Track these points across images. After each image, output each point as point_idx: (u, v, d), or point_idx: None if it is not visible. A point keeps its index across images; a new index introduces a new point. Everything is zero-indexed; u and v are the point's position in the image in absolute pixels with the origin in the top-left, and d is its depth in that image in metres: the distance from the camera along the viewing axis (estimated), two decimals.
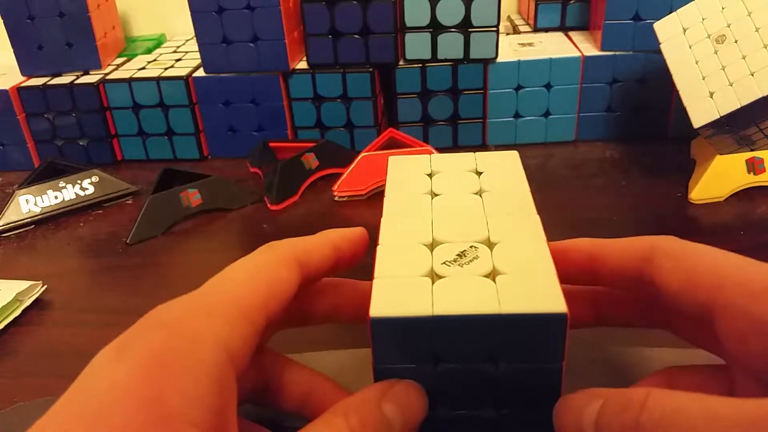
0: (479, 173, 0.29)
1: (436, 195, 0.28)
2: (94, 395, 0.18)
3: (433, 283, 0.22)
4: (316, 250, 0.25)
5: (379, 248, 0.24)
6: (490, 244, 0.24)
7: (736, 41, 0.43)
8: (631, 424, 0.18)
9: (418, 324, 0.20)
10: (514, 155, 0.31)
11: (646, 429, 0.17)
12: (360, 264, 0.27)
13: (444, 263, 0.23)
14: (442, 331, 0.21)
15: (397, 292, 0.21)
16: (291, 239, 0.25)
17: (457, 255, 0.23)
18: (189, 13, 0.53)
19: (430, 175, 0.29)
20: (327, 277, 0.26)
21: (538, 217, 0.25)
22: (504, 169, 0.29)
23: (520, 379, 0.21)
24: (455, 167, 0.30)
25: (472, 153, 0.31)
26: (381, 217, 0.27)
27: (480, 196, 0.27)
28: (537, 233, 0.24)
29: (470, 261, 0.23)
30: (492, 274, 0.22)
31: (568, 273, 0.25)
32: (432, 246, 0.24)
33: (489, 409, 0.23)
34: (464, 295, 0.21)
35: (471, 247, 0.23)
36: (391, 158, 0.31)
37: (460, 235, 0.24)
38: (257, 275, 0.22)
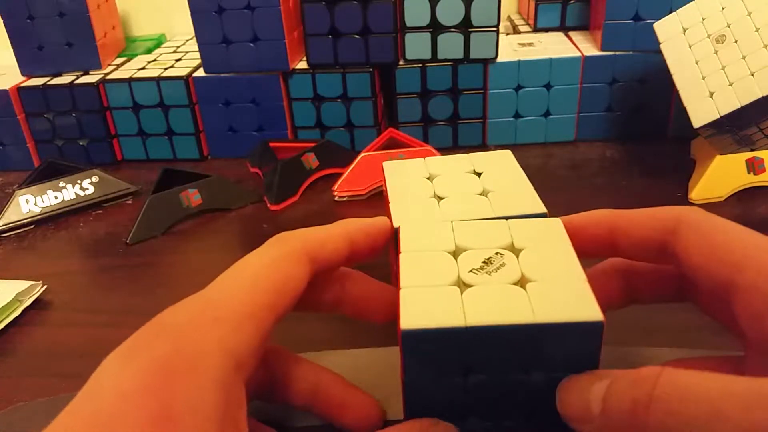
0: (478, 174, 0.29)
1: (441, 198, 0.27)
2: (101, 406, 0.18)
3: (462, 292, 0.21)
4: (329, 243, 0.24)
5: (401, 256, 0.23)
6: (515, 250, 0.23)
7: (736, 41, 0.43)
8: (644, 399, 0.17)
9: (451, 335, 0.20)
10: (507, 154, 0.30)
11: (660, 403, 0.17)
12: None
13: (471, 271, 0.22)
14: (475, 341, 0.20)
15: (426, 302, 0.21)
16: (304, 230, 0.24)
17: (483, 262, 0.23)
18: (189, 13, 0.53)
19: (429, 179, 0.29)
20: (341, 267, 0.25)
21: (558, 219, 0.25)
22: (502, 169, 0.29)
23: (553, 388, 0.21)
24: (453, 169, 0.30)
25: (465, 154, 0.31)
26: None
27: (486, 197, 0.27)
28: (561, 236, 0.24)
29: (497, 268, 0.22)
30: (521, 282, 0.22)
31: (586, 246, 0.24)
32: (455, 253, 0.23)
33: (520, 419, 0.22)
34: (496, 305, 0.21)
35: (496, 253, 0.23)
36: (385, 164, 0.31)
37: (483, 241, 0.24)
38: (266, 274, 0.22)
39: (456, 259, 0.23)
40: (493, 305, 0.20)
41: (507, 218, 0.25)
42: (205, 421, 0.18)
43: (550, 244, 0.23)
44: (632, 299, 0.26)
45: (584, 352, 0.20)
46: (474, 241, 0.24)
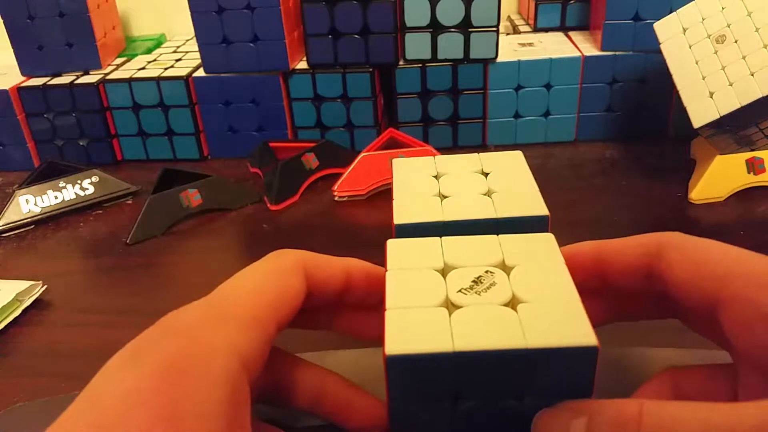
0: (486, 174, 0.29)
1: (445, 197, 0.27)
2: (107, 404, 0.17)
3: (450, 313, 0.20)
4: (326, 267, 0.24)
5: (388, 274, 0.23)
6: (506, 268, 0.23)
7: (736, 41, 0.43)
8: None
9: (438, 360, 0.19)
10: (518, 155, 0.30)
11: None
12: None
13: (460, 291, 0.21)
14: (464, 367, 0.19)
15: (412, 325, 0.20)
16: (303, 250, 0.25)
17: (473, 281, 0.22)
18: (189, 13, 0.53)
19: (436, 177, 0.29)
20: (339, 300, 0.26)
21: (551, 234, 0.24)
22: (510, 170, 0.29)
23: None
24: (461, 168, 0.29)
25: (476, 154, 0.31)
26: (383, 217, 0.26)
27: (490, 197, 0.27)
28: (553, 253, 0.23)
29: (487, 288, 0.21)
30: (512, 303, 0.21)
31: (573, 277, 0.24)
32: (444, 271, 0.23)
33: None
34: (485, 328, 0.20)
35: (486, 272, 0.22)
36: (395, 160, 0.31)
37: (473, 258, 0.23)
38: (266, 283, 0.22)
39: (445, 278, 0.22)
40: (482, 329, 0.19)
41: (497, 219, 0.25)
42: (213, 421, 0.18)
43: (542, 262, 0.23)
44: (611, 318, 0.26)
45: (578, 377, 0.20)
46: (464, 258, 0.23)
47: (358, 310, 0.26)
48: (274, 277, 0.23)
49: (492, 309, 0.20)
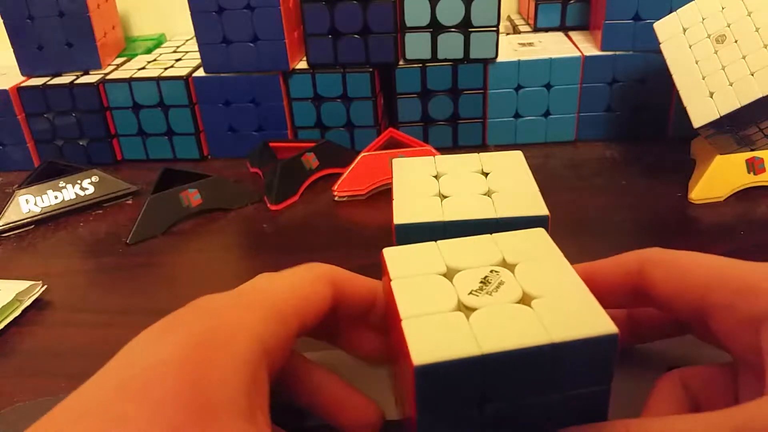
0: (486, 174, 0.29)
1: (445, 197, 0.27)
2: (136, 371, 0.18)
3: (467, 316, 0.20)
4: (355, 281, 0.25)
5: (393, 284, 0.22)
6: (509, 266, 0.23)
7: (736, 41, 0.43)
8: None
9: (467, 365, 0.19)
10: (518, 155, 0.30)
11: None
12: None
13: (471, 293, 0.21)
14: (492, 369, 0.19)
15: (433, 332, 0.20)
16: (333, 266, 0.26)
17: (481, 282, 0.22)
18: (189, 13, 0.53)
19: (436, 177, 0.29)
20: (363, 318, 0.26)
21: (542, 229, 0.24)
22: (510, 170, 0.29)
23: (569, 407, 0.20)
24: (461, 168, 0.29)
25: (476, 154, 0.31)
26: (383, 217, 0.27)
27: (490, 197, 0.27)
28: (550, 247, 0.23)
29: (497, 287, 0.21)
30: (524, 299, 0.21)
31: None
32: (448, 275, 0.22)
33: None
34: (507, 328, 0.20)
35: (492, 271, 0.22)
36: (395, 160, 0.31)
37: (473, 260, 0.23)
38: (294, 285, 0.24)
39: (452, 281, 0.22)
40: (503, 329, 0.20)
41: (497, 219, 0.25)
42: (232, 399, 0.18)
43: (541, 257, 0.23)
44: (638, 339, 0.27)
45: (599, 366, 0.20)
46: (464, 260, 0.23)
47: (378, 333, 0.27)
48: (301, 282, 0.24)
49: (508, 308, 0.21)
